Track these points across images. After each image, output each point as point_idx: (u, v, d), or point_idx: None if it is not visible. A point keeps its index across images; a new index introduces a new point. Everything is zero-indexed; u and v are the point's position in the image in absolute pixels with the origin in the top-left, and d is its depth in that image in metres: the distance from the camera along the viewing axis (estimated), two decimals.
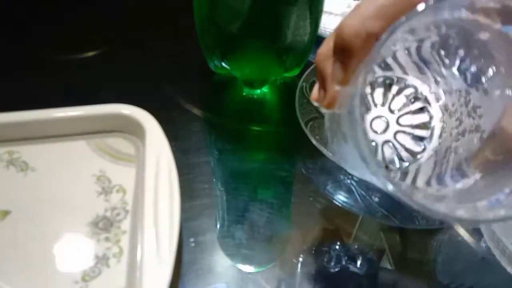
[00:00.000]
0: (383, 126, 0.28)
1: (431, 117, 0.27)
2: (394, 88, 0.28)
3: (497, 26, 0.21)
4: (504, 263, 0.31)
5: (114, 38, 0.55)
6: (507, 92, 0.23)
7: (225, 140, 0.42)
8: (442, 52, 0.25)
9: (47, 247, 0.31)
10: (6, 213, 0.33)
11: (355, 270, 0.32)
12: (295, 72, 0.46)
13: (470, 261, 0.33)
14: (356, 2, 0.56)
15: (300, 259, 0.32)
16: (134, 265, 0.29)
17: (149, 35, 0.55)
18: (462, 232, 0.34)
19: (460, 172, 0.24)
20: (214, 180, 0.38)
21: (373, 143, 0.27)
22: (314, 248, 0.33)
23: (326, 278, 0.31)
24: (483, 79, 0.24)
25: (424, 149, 0.27)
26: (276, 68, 0.43)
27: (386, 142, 0.27)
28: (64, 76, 0.48)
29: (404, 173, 0.26)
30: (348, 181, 0.38)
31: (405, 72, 0.27)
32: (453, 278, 0.31)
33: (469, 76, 0.24)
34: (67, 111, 0.38)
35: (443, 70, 0.26)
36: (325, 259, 0.32)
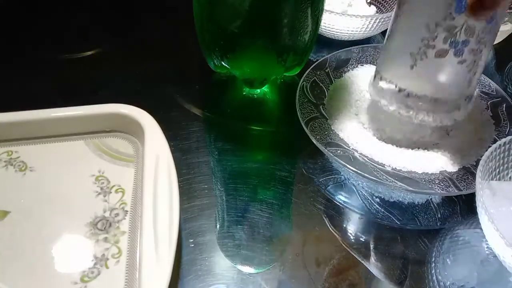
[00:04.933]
0: None
1: None
2: None
3: None
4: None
5: (113, 37, 0.55)
6: None
7: (224, 140, 0.41)
8: None
9: (46, 248, 0.31)
10: (5, 213, 0.32)
11: (355, 270, 0.32)
12: (296, 71, 0.46)
13: (471, 262, 0.32)
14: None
15: (300, 260, 0.32)
16: (133, 266, 0.29)
17: (148, 34, 0.55)
18: (463, 232, 0.34)
19: None
20: (214, 180, 0.37)
21: None
22: (314, 250, 0.33)
23: (325, 279, 0.31)
24: None
25: None
26: (276, 67, 0.42)
27: None
28: (62, 76, 0.48)
29: None
30: (349, 181, 0.38)
31: None
32: (454, 279, 0.31)
33: None
34: (66, 111, 0.37)
35: None
36: (326, 260, 0.32)
